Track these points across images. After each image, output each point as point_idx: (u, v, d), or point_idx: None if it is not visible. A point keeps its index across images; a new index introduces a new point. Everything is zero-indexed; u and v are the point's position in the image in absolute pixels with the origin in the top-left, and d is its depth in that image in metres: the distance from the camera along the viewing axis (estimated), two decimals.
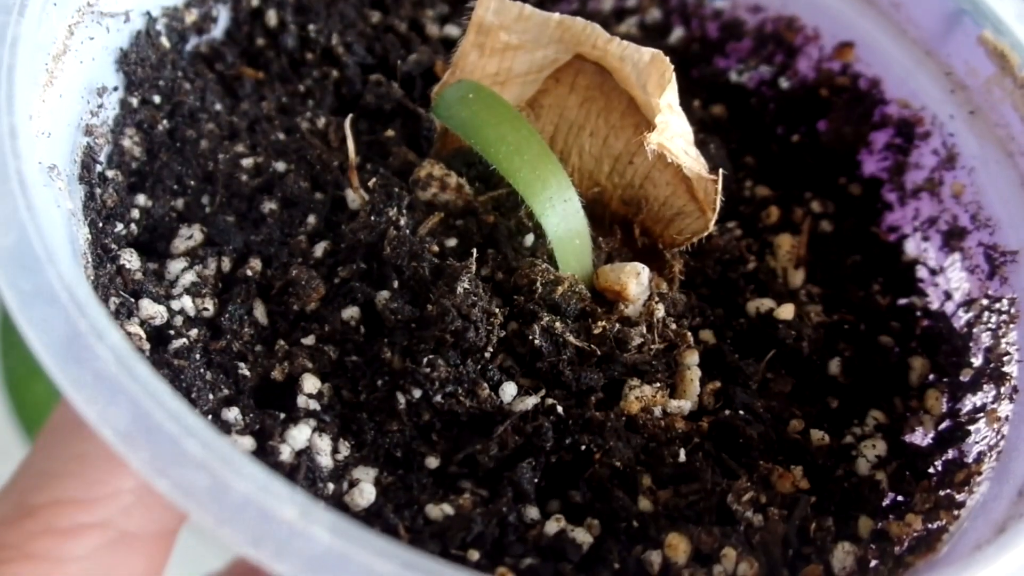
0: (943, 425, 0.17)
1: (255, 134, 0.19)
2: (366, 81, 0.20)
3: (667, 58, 0.16)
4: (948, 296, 0.19)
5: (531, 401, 0.16)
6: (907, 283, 0.19)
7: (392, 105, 0.20)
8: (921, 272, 0.19)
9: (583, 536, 0.16)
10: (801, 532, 0.16)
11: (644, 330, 0.17)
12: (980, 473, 0.16)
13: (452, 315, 0.16)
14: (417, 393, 0.16)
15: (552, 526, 0.16)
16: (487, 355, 0.16)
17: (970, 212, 0.19)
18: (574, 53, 0.17)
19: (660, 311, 0.17)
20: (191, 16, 0.20)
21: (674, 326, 0.17)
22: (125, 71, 0.19)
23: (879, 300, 0.19)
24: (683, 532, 0.15)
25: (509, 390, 0.16)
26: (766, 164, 0.21)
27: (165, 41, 0.20)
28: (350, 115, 0.19)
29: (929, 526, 0.16)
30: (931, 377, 0.18)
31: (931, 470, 0.17)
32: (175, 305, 0.18)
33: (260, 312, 0.18)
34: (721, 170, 0.17)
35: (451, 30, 0.22)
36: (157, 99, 0.19)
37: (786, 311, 0.18)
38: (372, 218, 0.17)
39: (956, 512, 0.16)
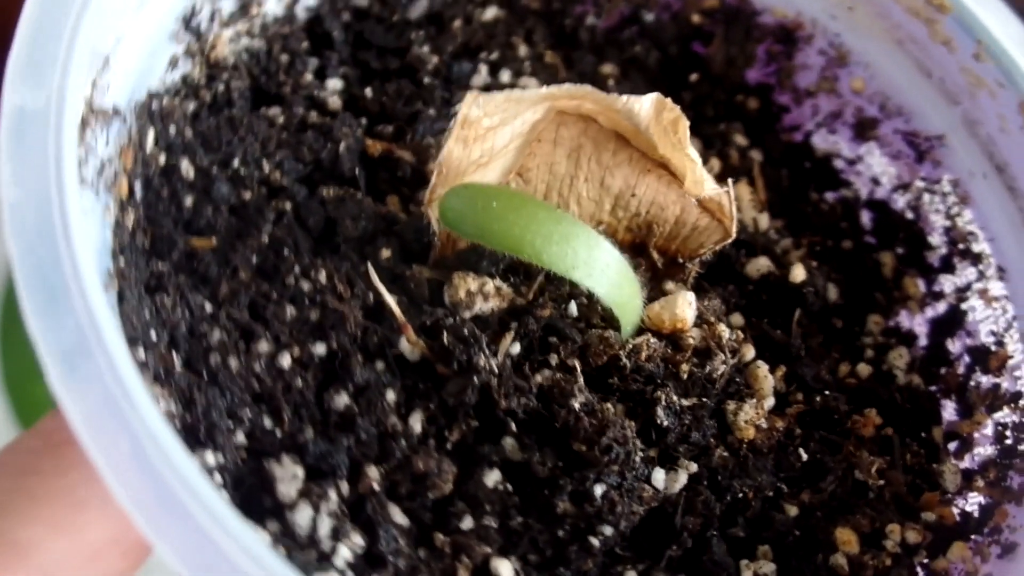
0: (936, 310, 0.19)
1: (264, 321, 0.16)
2: (322, 199, 0.17)
3: (669, 101, 0.16)
4: (876, 183, 0.20)
5: (682, 476, 0.16)
6: (829, 176, 0.20)
7: (370, 222, 0.17)
8: (838, 163, 0.20)
9: (767, 567, 0.16)
10: (906, 469, 0.17)
11: (720, 354, 0.16)
12: (1010, 356, 0.18)
13: (598, 445, 0.15)
14: (608, 530, 0.15)
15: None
16: (636, 458, 0.15)
17: (876, 103, 0.19)
18: (554, 110, 0.16)
19: (724, 330, 0.17)
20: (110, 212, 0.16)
21: (727, 333, 0.17)
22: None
23: (823, 206, 0.20)
24: (843, 524, 0.16)
25: (659, 476, 0.16)
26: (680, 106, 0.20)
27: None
28: (370, 267, 0.16)
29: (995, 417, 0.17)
30: (901, 266, 0.19)
31: (955, 360, 0.18)
32: (338, 562, 0.15)
33: (399, 516, 0.15)
34: (730, 180, 0.17)
35: (358, 92, 0.19)
36: (153, 337, 0.15)
37: (798, 273, 0.18)
38: (463, 374, 0.15)
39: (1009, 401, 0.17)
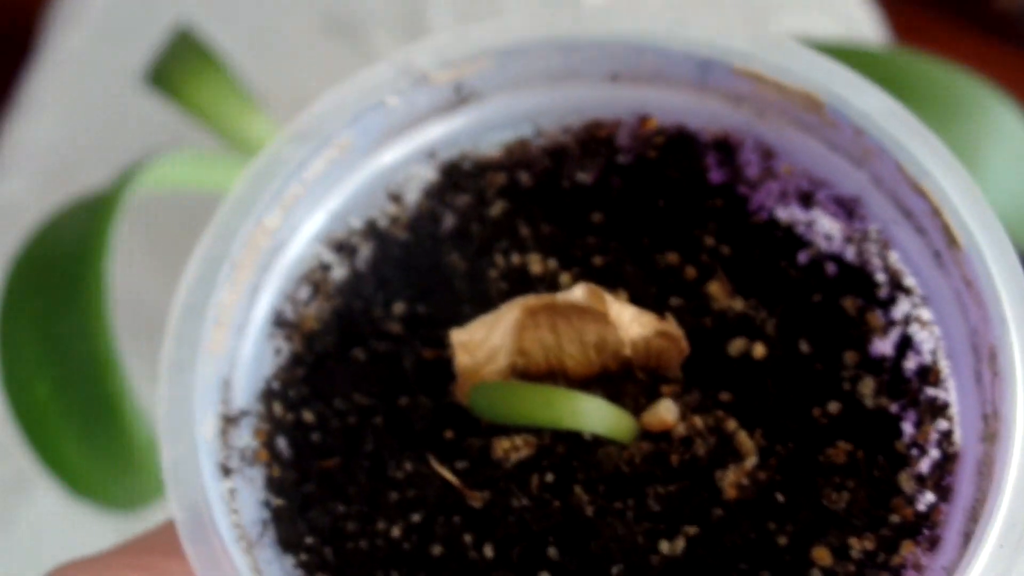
0: (894, 336, 0.22)
1: (377, 506, 0.21)
2: (399, 408, 0.21)
3: (591, 284, 0.20)
4: (829, 239, 0.23)
5: (681, 541, 0.19)
6: (796, 240, 0.23)
7: (432, 415, 0.21)
8: (800, 228, 0.23)
9: None
10: (872, 483, 0.20)
11: (698, 439, 0.20)
12: (942, 371, 0.20)
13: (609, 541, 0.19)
14: None
15: None
16: (639, 539, 0.19)
17: (805, 179, 0.23)
18: (525, 307, 0.20)
19: (698, 419, 0.20)
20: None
21: (701, 421, 0.20)
22: None
23: (792, 272, 0.23)
24: (818, 544, 0.19)
25: (665, 545, 0.19)
26: (659, 232, 0.23)
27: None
28: (430, 456, 0.20)
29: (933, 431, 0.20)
30: (862, 304, 0.22)
31: (909, 376, 0.21)
32: None
33: None
34: (668, 314, 0.21)
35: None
36: (309, 540, 0.20)
37: (758, 350, 0.21)
38: (510, 510, 0.20)
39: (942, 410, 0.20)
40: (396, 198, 0.23)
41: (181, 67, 0.52)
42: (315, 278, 0.22)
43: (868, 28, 0.94)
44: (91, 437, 0.36)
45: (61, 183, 0.77)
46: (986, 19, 1.33)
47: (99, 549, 0.22)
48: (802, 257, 0.22)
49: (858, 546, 0.19)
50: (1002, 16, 1.32)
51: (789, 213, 0.23)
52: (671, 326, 0.20)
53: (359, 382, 0.22)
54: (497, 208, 0.23)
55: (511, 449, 0.20)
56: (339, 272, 0.22)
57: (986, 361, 0.19)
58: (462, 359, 0.20)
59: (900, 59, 0.41)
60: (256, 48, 0.89)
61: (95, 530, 0.48)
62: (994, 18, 1.32)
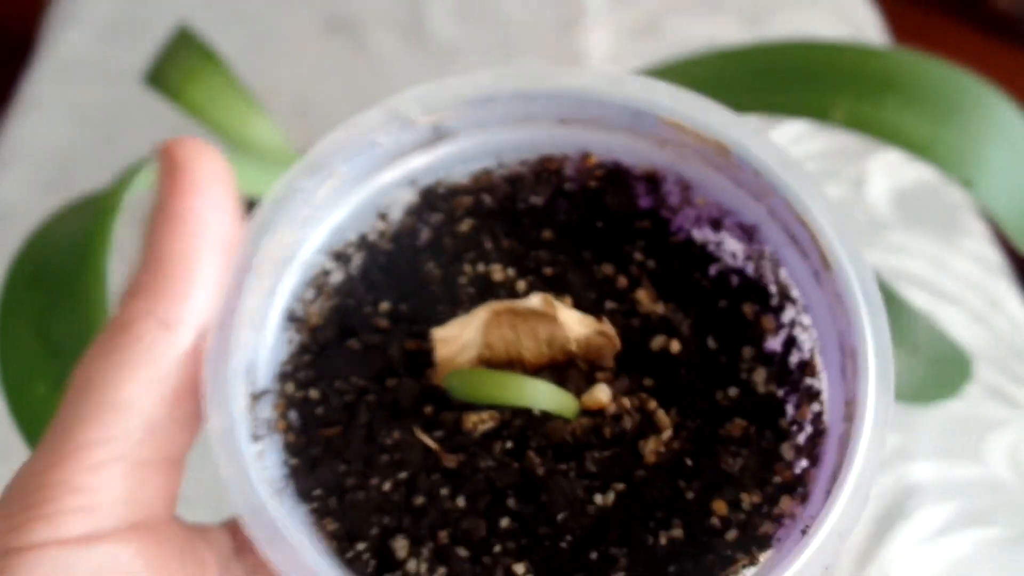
0: (782, 336, 0.27)
1: (373, 467, 0.25)
2: (389, 387, 0.26)
3: (545, 295, 0.25)
4: (733, 256, 0.28)
5: (612, 494, 0.25)
6: (708, 256, 0.28)
7: (416, 394, 0.26)
8: (711, 247, 0.28)
9: (678, 532, 0.24)
10: (760, 452, 0.24)
11: (626, 416, 0.25)
12: (817, 365, 0.25)
13: (556, 493, 0.24)
14: (570, 535, 0.24)
15: None
16: (579, 492, 0.24)
17: (716, 209, 0.27)
18: (492, 311, 0.25)
19: (626, 401, 0.25)
20: None
21: (628, 401, 0.25)
22: None
23: (704, 282, 0.28)
24: (718, 497, 0.24)
25: (599, 497, 0.25)
26: (597, 248, 0.28)
27: None
28: (415, 427, 0.25)
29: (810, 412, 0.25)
30: (758, 310, 0.27)
31: (792, 369, 0.26)
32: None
33: (462, 551, 0.24)
34: (604, 317, 0.26)
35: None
36: (318, 492, 0.25)
37: (674, 345, 0.26)
38: (478, 470, 0.24)
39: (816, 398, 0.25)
40: (383, 216, 0.28)
41: (181, 67, 0.52)
42: (318, 282, 0.27)
43: (868, 28, 0.94)
44: None
45: (61, 183, 0.77)
46: (986, 19, 1.33)
47: None
48: (712, 270, 0.28)
49: (748, 500, 0.24)
50: (1002, 16, 1.32)
51: (703, 235, 0.28)
52: (606, 327, 0.26)
53: (354, 367, 0.26)
54: (465, 225, 0.28)
55: (478, 422, 0.25)
56: (337, 276, 0.27)
57: (849, 359, 0.24)
58: (440, 351, 0.25)
59: (900, 59, 0.41)
60: (256, 48, 0.90)
61: None
62: (994, 18, 1.32)
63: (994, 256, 0.73)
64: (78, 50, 0.86)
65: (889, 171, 0.79)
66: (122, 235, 0.76)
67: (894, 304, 0.46)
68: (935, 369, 0.44)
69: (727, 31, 0.94)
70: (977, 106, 0.39)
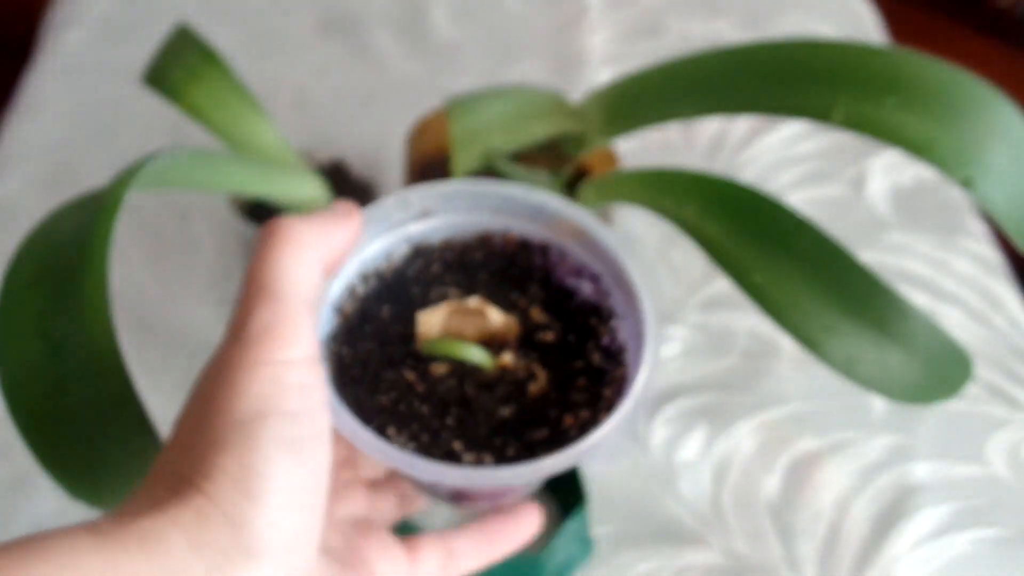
0: (608, 334, 0.42)
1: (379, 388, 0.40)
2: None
3: (480, 298, 0.41)
4: (587, 292, 0.43)
5: (509, 408, 0.39)
6: (572, 293, 0.44)
7: (400, 353, 0.41)
8: (575, 288, 0.43)
9: (542, 433, 0.38)
10: (591, 397, 0.40)
11: (519, 371, 0.39)
12: (626, 349, 0.41)
13: (483, 403, 0.39)
14: (484, 424, 0.39)
15: None
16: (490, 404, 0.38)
17: (579, 265, 0.43)
18: (452, 307, 0.41)
19: (521, 362, 0.40)
20: None
21: (522, 362, 0.40)
22: None
23: (570, 305, 0.43)
24: (569, 415, 0.38)
25: (504, 411, 0.40)
26: (511, 284, 0.43)
27: None
28: (405, 367, 0.41)
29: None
30: (597, 321, 0.42)
31: (613, 352, 0.41)
32: None
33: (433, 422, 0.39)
34: (513, 317, 0.41)
35: None
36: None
37: (549, 336, 0.42)
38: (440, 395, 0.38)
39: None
40: (389, 257, 0.44)
41: (181, 67, 0.51)
42: (351, 291, 0.41)
43: (868, 28, 0.93)
44: (91, 437, 0.36)
45: (61, 182, 0.76)
46: (986, 19, 1.33)
47: None
48: (574, 300, 0.42)
49: (584, 415, 0.37)
50: (1002, 16, 1.31)
51: (571, 280, 0.44)
52: (512, 321, 0.42)
53: (368, 338, 0.42)
54: (436, 268, 0.42)
55: (439, 368, 0.38)
56: (361, 289, 0.42)
57: (639, 345, 0.38)
58: (420, 328, 0.41)
59: (900, 59, 0.41)
60: (256, 48, 0.89)
61: None
62: (994, 18, 1.32)
63: (994, 256, 0.73)
64: (78, 50, 0.86)
65: (889, 171, 0.79)
66: (122, 235, 0.75)
67: (894, 304, 0.45)
68: (935, 369, 0.44)
69: (727, 31, 0.93)
70: (977, 106, 0.39)
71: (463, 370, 0.38)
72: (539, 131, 0.58)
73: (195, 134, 0.67)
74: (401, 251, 0.42)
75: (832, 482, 0.57)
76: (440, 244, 0.42)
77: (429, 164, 0.65)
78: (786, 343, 0.66)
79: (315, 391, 0.28)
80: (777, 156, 0.79)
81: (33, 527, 0.58)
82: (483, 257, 0.42)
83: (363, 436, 0.33)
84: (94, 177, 0.56)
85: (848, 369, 0.47)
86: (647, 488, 0.60)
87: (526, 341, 0.40)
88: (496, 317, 0.39)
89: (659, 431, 0.61)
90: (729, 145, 0.78)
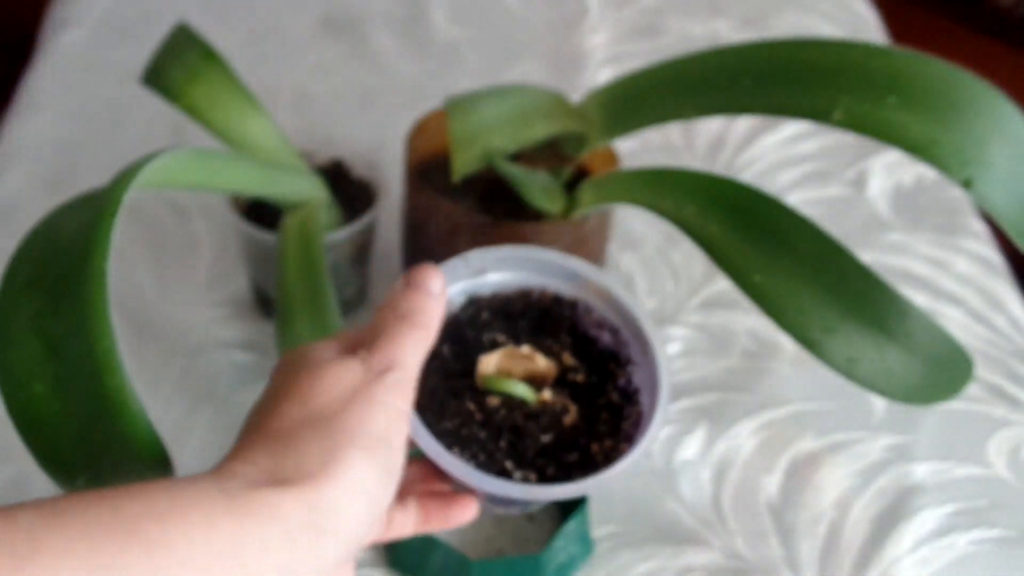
0: (625, 377, 0.50)
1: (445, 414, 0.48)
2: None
3: (529, 347, 0.50)
4: (608, 341, 0.50)
5: (548, 436, 0.46)
6: (594, 341, 0.52)
7: (462, 386, 0.49)
8: (595, 336, 0.52)
9: (573, 456, 0.46)
10: (612, 428, 0.48)
11: (558, 403, 0.47)
12: (640, 392, 0.49)
13: (530, 432, 0.46)
14: (531, 447, 0.47)
15: None
16: (533, 428, 0.46)
17: (601, 319, 0.51)
18: (506, 353, 0.51)
19: (557, 400, 0.48)
20: None
21: (560, 400, 0.48)
22: None
23: (594, 353, 0.51)
24: (596, 443, 0.46)
25: (545, 437, 0.46)
26: (546, 332, 0.51)
27: None
28: (467, 397, 0.48)
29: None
30: (615, 366, 0.50)
31: (630, 392, 0.50)
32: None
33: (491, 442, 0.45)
34: (550, 362, 0.50)
35: None
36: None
37: (579, 377, 0.50)
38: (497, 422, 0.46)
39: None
40: (449, 304, 0.49)
41: (181, 67, 0.52)
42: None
43: (868, 28, 0.93)
44: (90, 437, 0.36)
45: (61, 182, 0.77)
46: (986, 19, 1.33)
47: None
48: (597, 347, 0.51)
49: (608, 444, 0.46)
50: (1002, 16, 1.31)
51: (595, 331, 0.53)
52: (552, 365, 0.53)
53: (434, 373, 0.48)
54: (485, 315, 0.51)
55: (493, 400, 0.46)
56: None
57: (654, 392, 0.47)
58: (480, 367, 0.52)
59: (900, 59, 0.41)
60: (256, 48, 0.89)
61: None
62: (994, 18, 1.32)
63: (994, 256, 0.73)
64: (78, 50, 0.86)
65: (889, 171, 0.79)
66: (122, 235, 0.75)
67: (894, 304, 0.45)
68: (935, 369, 0.44)
69: (727, 31, 0.93)
70: (977, 106, 0.39)
71: (512, 403, 0.46)
72: (539, 131, 0.58)
73: (195, 134, 0.67)
74: (459, 301, 0.50)
75: (833, 482, 0.58)
76: (489, 296, 0.51)
77: (429, 164, 0.65)
78: (786, 343, 0.66)
79: (406, 429, 0.39)
80: (777, 156, 0.79)
81: None
82: (523, 307, 0.51)
83: (448, 459, 0.41)
84: (94, 177, 0.56)
85: (848, 369, 0.47)
86: (647, 488, 0.61)
87: (560, 380, 0.49)
88: (541, 361, 0.49)
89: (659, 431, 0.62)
90: (729, 145, 0.78)
